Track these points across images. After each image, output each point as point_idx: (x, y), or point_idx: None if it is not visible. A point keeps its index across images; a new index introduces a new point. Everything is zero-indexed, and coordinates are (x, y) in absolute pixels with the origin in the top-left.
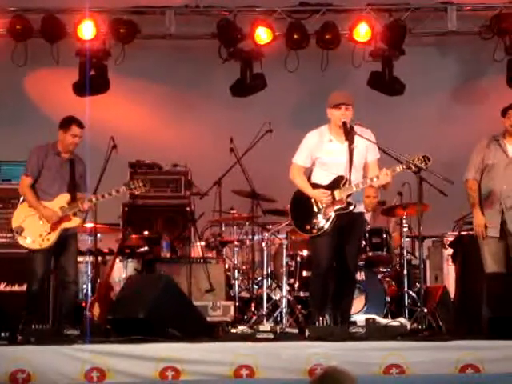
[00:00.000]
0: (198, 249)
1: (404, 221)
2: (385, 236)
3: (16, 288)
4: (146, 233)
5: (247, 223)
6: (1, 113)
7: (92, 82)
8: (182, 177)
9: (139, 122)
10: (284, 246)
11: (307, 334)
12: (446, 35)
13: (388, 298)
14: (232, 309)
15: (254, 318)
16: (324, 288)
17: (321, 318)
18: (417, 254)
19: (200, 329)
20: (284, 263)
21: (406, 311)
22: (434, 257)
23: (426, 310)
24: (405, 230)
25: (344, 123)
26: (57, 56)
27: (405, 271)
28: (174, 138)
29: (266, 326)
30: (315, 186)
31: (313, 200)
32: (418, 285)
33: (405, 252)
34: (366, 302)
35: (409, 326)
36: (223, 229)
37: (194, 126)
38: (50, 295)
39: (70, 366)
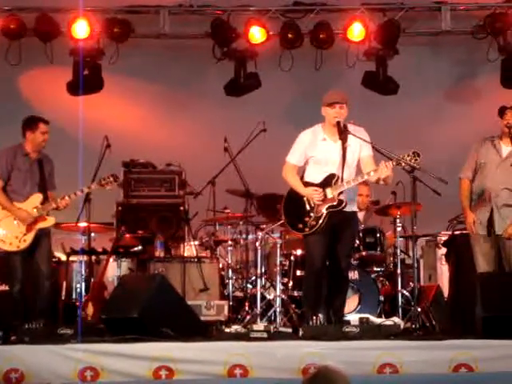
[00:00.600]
0: (191, 248)
1: (398, 220)
2: (378, 235)
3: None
4: (139, 232)
5: (241, 222)
6: None
7: (86, 81)
8: (176, 176)
9: (133, 121)
10: (278, 246)
11: (301, 333)
12: (440, 35)
13: (382, 298)
14: (226, 308)
15: (248, 317)
16: (317, 287)
17: (314, 318)
18: (410, 253)
19: (194, 328)
20: (278, 262)
21: (400, 310)
22: (428, 256)
23: (419, 310)
24: (398, 229)
25: (338, 122)
26: (51, 55)
27: (398, 270)
28: (168, 137)
29: (260, 325)
30: (308, 184)
31: (305, 198)
32: (411, 284)
33: (398, 251)
34: (360, 302)
35: (402, 326)
36: (217, 228)
37: (187, 125)
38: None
39: (63, 366)
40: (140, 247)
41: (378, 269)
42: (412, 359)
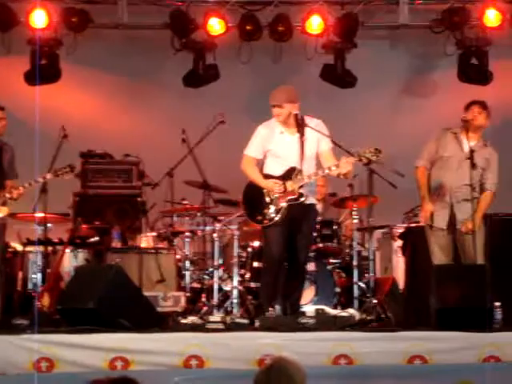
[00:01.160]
0: (149, 239)
1: (354, 212)
2: (335, 227)
3: None
4: (96, 223)
5: (199, 214)
6: None
7: (43, 70)
8: (134, 167)
9: (91, 111)
10: (235, 237)
11: (257, 324)
12: (398, 29)
13: (338, 289)
14: (183, 299)
15: (205, 308)
16: (275, 279)
17: (271, 309)
18: (367, 245)
19: (150, 319)
20: (235, 254)
21: (356, 302)
22: (384, 248)
23: (375, 301)
24: (355, 221)
25: (295, 115)
26: (8, 44)
27: (355, 262)
28: (126, 128)
29: (217, 316)
30: (267, 176)
31: (265, 191)
32: (367, 276)
33: (355, 243)
34: (316, 293)
35: (358, 317)
36: (175, 219)
37: (146, 116)
38: None
39: (18, 356)
40: (97, 238)
41: (335, 260)
42: (367, 350)
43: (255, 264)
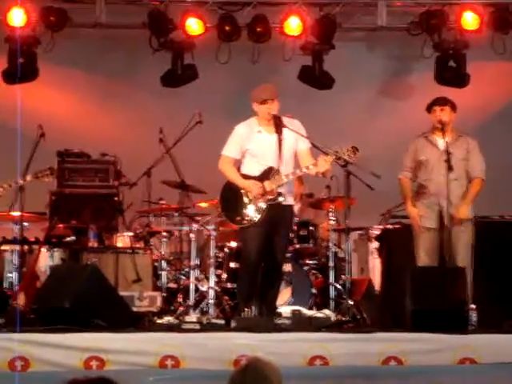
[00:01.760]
0: (125, 239)
1: (331, 214)
2: (312, 228)
3: None
4: (73, 222)
5: (176, 214)
6: None
7: (21, 69)
8: (111, 166)
9: (69, 110)
10: (212, 237)
11: (233, 324)
12: (376, 31)
13: (314, 290)
14: (159, 299)
15: (181, 308)
16: (251, 279)
17: (247, 309)
18: (343, 246)
19: (126, 319)
20: (212, 254)
21: (332, 303)
22: (360, 250)
23: (350, 303)
24: (332, 222)
25: (274, 115)
26: None
27: (331, 263)
28: (104, 127)
29: (193, 316)
30: (245, 177)
31: (243, 191)
32: (343, 277)
33: (331, 244)
34: (293, 294)
35: (333, 318)
36: (152, 219)
37: (124, 115)
38: None
39: None
40: (73, 237)
41: (311, 261)
42: (342, 351)
43: (232, 264)
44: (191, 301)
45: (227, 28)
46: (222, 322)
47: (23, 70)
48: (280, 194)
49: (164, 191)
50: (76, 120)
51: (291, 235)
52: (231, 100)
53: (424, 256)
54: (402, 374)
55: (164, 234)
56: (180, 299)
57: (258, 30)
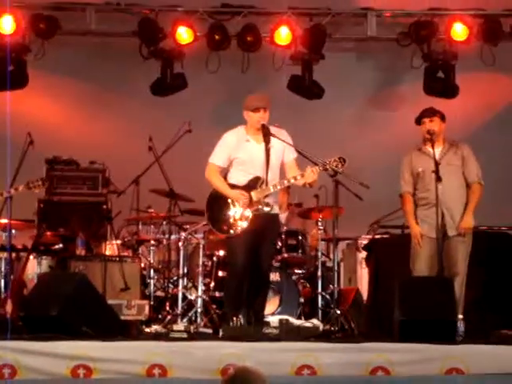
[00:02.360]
0: (113, 247)
1: (319, 223)
2: (300, 238)
3: None
4: (61, 230)
5: (164, 222)
6: None
7: (10, 76)
8: (99, 174)
9: (58, 118)
10: (201, 246)
11: (221, 333)
12: (365, 41)
13: (302, 300)
14: (147, 308)
15: (169, 317)
16: (239, 288)
17: (235, 318)
18: (331, 256)
19: (113, 327)
20: (200, 263)
21: (320, 313)
22: (348, 259)
23: (338, 312)
24: (320, 232)
25: (262, 125)
26: None
27: (319, 273)
28: (93, 135)
29: (180, 325)
30: (232, 186)
31: (229, 200)
32: (331, 287)
33: (319, 254)
34: (281, 303)
35: (321, 328)
36: (140, 227)
37: (113, 123)
38: None
39: None
40: (61, 245)
41: (299, 271)
42: (330, 361)
43: (220, 273)
44: (179, 309)
45: (217, 37)
46: (210, 330)
47: (13, 78)
48: (267, 204)
49: (152, 199)
50: (65, 128)
51: (279, 244)
52: (221, 109)
53: (421, 266)
54: None
55: (152, 242)
56: (168, 308)
57: (248, 39)
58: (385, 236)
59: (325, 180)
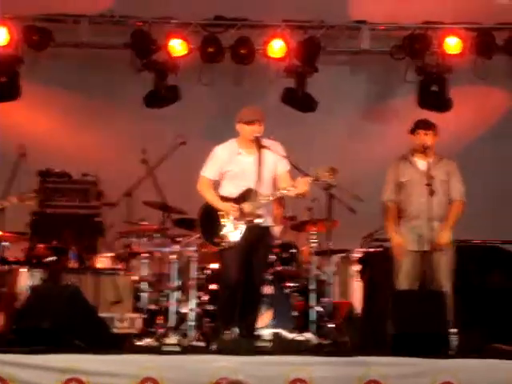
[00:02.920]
0: (106, 260)
1: (313, 236)
2: (294, 251)
3: None
4: (53, 242)
5: (157, 235)
6: None
7: (3, 88)
8: (92, 186)
9: (51, 130)
10: (193, 259)
11: (213, 347)
12: (359, 54)
13: (295, 313)
14: (139, 321)
15: (161, 330)
16: (232, 301)
17: (227, 332)
18: (325, 269)
19: (106, 340)
20: (193, 276)
21: (313, 326)
22: (342, 272)
23: (332, 325)
24: (314, 245)
25: (256, 137)
26: None
27: (312, 286)
28: (86, 147)
29: (173, 338)
30: (224, 198)
31: (222, 213)
32: (325, 300)
33: (313, 267)
34: (274, 317)
35: (314, 341)
36: (133, 240)
37: (106, 135)
38: None
39: None
40: (53, 258)
41: (293, 284)
42: (323, 375)
43: (213, 286)
44: (172, 323)
45: (211, 49)
46: (203, 344)
47: (5, 89)
48: (259, 216)
49: (145, 212)
50: (58, 140)
51: (272, 257)
52: (214, 121)
53: (404, 279)
54: None
55: (145, 255)
56: (160, 321)
57: (242, 51)
58: (378, 249)
59: (318, 193)
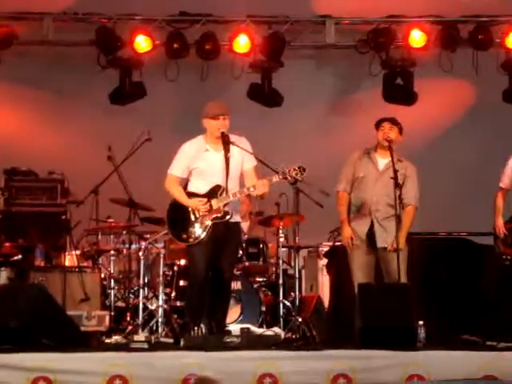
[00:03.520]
0: (73, 258)
1: (280, 231)
2: (261, 246)
3: None
4: (20, 241)
5: (124, 232)
6: None
7: None
8: (58, 184)
9: (16, 128)
10: (161, 256)
11: (182, 343)
12: (324, 48)
13: (264, 308)
14: (107, 318)
15: (130, 327)
16: (200, 297)
17: (196, 328)
18: (293, 263)
19: (74, 338)
20: (161, 272)
21: (281, 321)
22: (310, 267)
23: (300, 320)
24: (281, 240)
25: (222, 133)
26: None
27: (280, 281)
28: (52, 145)
29: (141, 335)
30: (192, 195)
31: (190, 209)
32: (293, 294)
33: (281, 262)
34: (242, 312)
35: (283, 336)
36: (100, 237)
37: (71, 133)
38: None
39: None
40: (20, 256)
41: (261, 279)
42: (292, 369)
43: (181, 282)
44: (140, 320)
45: (176, 45)
46: (171, 340)
47: None
48: (227, 212)
49: (112, 209)
50: (23, 138)
51: (240, 253)
52: (180, 117)
53: (358, 273)
54: None
55: (112, 252)
56: (129, 318)
57: (207, 47)
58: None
59: (285, 188)
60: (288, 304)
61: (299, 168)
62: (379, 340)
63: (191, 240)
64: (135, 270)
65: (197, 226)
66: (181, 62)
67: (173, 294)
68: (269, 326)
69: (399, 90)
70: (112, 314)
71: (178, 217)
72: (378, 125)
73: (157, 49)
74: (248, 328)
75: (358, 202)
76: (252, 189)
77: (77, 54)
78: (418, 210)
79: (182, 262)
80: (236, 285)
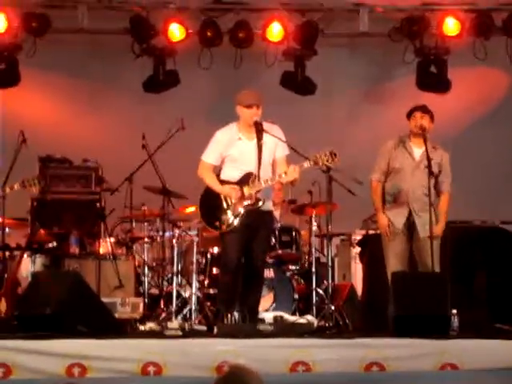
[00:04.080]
0: (107, 245)
1: (313, 219)
2: (294, 234)
3: None
4: (54, 228)
5: (158, 220)
6: None
7: (2, 75)
8: (93, 172)
9: (51, 116)
10: (194, 243)
11: (215, 331)
12: (358, 36)
13: (296, 296)
14: (141, 305)
15: (163, 314)
16: (232, 285)
17: (229, 315)
18: (325, 252)
19: (108, 325)
20: (194, 260)
21: (314, 309)
22: (342, 255)
23: (333, 308)
24: (314, 228)
25: (255, 122)
26: None
27: (313, 269)
28: (86, 133)
29: (175, 323)
30: (224, 182)
31: (222, 196)
32: (326, 282)
33: (314, 250)
34: (275, 300)
35: (316, 324)
36: (134, 225)
37: (106, 121)
38: None
39: None
40: (55, 243)
41: (294, 267)
42: (324, 357)
43: (214, 270)
44: (173, 307)
45: (209, 33)
46: (205, 328)
47: (4, 76)
48: (259, 200)
49: (146, 197)
50: (58, 125)
51: (273, 241)
52: (213, 105)
53: (394, 261)
54: (384, 380)
55: (146, 239)
56: (162, 305)
57: (240, 35)
58: (378, 231)
59: (318, 176)
60: (321, 292)
61: (330, 153)
62: (413, 328)
63: (224, 228)
64: (169, 258)
65: (229, 213)
66: (214, 50)
67: (206, 282)
68: (301, 314)
69: (433, 77)
70: (146, 301)
71: (211, 204)
72: (409, 114)
73: (190, 37)
74: (281, 316)
75: (394, 191)
76: (283, 175)
77: (111, 42)
78: (451, 196)
79: (215, 249)
80: (269, 273)
